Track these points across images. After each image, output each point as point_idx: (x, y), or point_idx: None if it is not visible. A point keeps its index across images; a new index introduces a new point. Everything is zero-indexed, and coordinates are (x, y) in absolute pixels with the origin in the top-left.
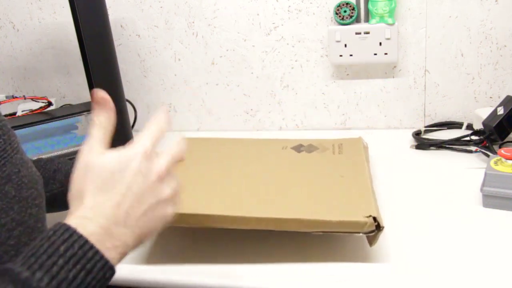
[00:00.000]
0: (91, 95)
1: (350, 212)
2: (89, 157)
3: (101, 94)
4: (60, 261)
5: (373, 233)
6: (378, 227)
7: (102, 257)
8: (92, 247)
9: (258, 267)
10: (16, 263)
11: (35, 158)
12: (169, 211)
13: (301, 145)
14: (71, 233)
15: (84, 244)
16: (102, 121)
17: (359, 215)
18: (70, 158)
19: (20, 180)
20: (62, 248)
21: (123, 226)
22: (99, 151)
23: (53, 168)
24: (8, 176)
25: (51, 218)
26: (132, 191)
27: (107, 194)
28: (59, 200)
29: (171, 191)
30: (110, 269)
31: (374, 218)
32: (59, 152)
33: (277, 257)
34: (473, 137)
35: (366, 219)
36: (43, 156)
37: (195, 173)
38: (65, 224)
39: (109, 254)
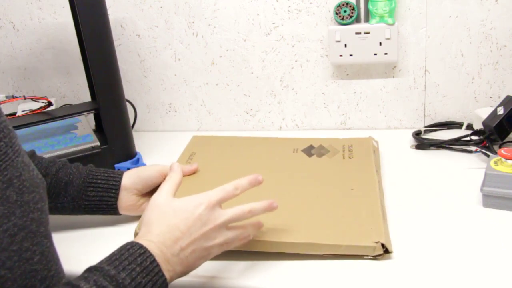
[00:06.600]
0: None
1: (360, 236)
2: (159, 198)
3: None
4: (138, 269)
5: (381, 256)
6: (387, 251)
7: (163, 275)
8: (158, 265)
9: (257, 265)
10: (102, 263)
11: (51, 155)
12: (213, 253)
13: (311, 147)
14: (144, 250)
15: (153, 261)
16: (175, 178)
17: (368, 240)
18: (72, 159)
19: (21, 184)
20: (139, 259)
21: (176, 256)
22: (168, 195)
23: (64, 179)
24: (9, 181)
25: (56, 221)
26: (190, 231)
27: (170, 228)
28: (68, 212)
29: (222, 240)
30: (166, 287)
31: (383, 244)
32: (59, 152)
33: (278, 254)
34: (473, 137)
35: (375, 244)
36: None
37: (205, 185)
38: (138, 243)
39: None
